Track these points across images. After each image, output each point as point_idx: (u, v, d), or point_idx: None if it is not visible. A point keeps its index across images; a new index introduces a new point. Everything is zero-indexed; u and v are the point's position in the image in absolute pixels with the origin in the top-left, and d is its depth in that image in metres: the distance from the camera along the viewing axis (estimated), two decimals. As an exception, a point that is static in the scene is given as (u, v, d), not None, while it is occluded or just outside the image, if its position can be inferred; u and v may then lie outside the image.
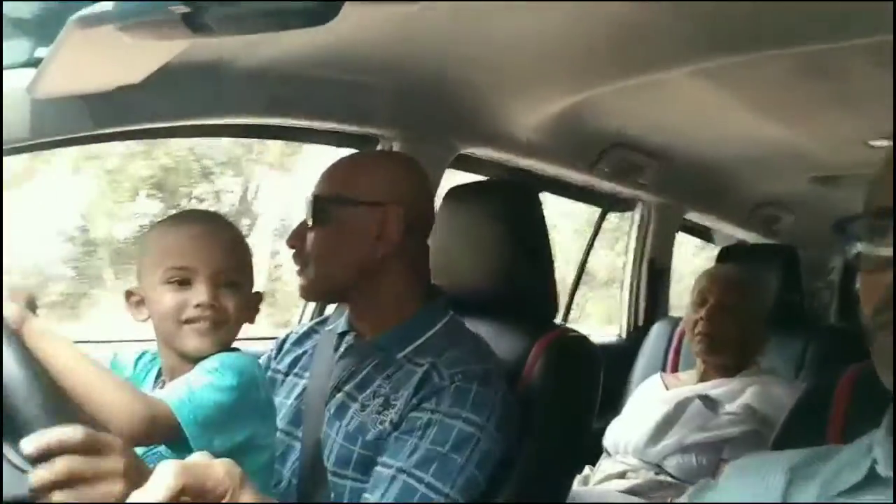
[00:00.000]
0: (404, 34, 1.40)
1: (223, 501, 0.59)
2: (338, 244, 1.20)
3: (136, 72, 1.06)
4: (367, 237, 1.18)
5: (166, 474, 0.57)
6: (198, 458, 0.61)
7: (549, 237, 1.44)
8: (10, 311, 0.84)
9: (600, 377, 1.33)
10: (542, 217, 1.43)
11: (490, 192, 1.53)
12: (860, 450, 0.67)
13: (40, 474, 0.63)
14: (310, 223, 1.21)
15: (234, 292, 1.05)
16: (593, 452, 1.98)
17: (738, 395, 1.87)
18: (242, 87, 1.37)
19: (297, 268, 1.24)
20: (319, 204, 1.21)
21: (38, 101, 1.11)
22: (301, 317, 1.87)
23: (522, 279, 1.38)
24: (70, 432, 0.64)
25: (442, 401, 1.10)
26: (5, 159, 1.23)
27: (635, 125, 2.14)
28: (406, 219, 1.18)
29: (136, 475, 0.65)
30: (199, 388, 0.98)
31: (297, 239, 1.22)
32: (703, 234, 3.22)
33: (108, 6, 0.75)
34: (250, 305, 1.09)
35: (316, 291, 1.25)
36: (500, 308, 1.38)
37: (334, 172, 1.25)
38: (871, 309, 0.61)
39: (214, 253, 1.04)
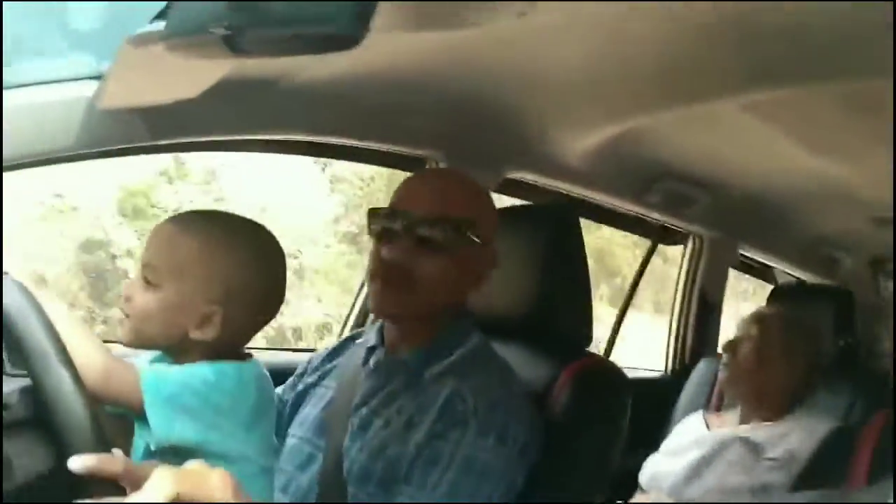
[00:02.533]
0: (452, 57, 1.42)
1: None
2: (451, 274, 1.13)
3: (191, 87, 1.12)
4: (474, 275, 1.18)
5: (162, 481, 0.58)
6: (194, 465, 0.62)
7: (588, 264, 1.44)
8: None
9: (628, 407, 1.31)
10: (581, 243, 1.43)
11: (530, 217, 1.54)
12: (877, 493, 0.65)
13: None
14: (417, 240, 1.12)
15: (153, 291, 1.01)
16: (628, 487, 1.94)
17: (781, 440, 1.80)
18: (291, 105, 1.41)
19: (375, 286, 1.14)
20: (441, 224, 1.12)
21: (100, 111, 1.18)
22: (342, 331, 1.91)
23: (558, 306, 1.38)
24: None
25: (467, 432, 1.09)
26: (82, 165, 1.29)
27: (686, 156, 2.11)
28: None
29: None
30: (175, 367, 1.01)
31: (397, 254, 1.12)
32: (763, 273, 3.12)
33: (159, 26, 0.80)
34: (190, 314, 1.01)
35: (407, 314, 1.16)
36: (531, 333, 1.38)
37: (452, 195, 1.16)
38: None
39: (147, 247, 1.05)
